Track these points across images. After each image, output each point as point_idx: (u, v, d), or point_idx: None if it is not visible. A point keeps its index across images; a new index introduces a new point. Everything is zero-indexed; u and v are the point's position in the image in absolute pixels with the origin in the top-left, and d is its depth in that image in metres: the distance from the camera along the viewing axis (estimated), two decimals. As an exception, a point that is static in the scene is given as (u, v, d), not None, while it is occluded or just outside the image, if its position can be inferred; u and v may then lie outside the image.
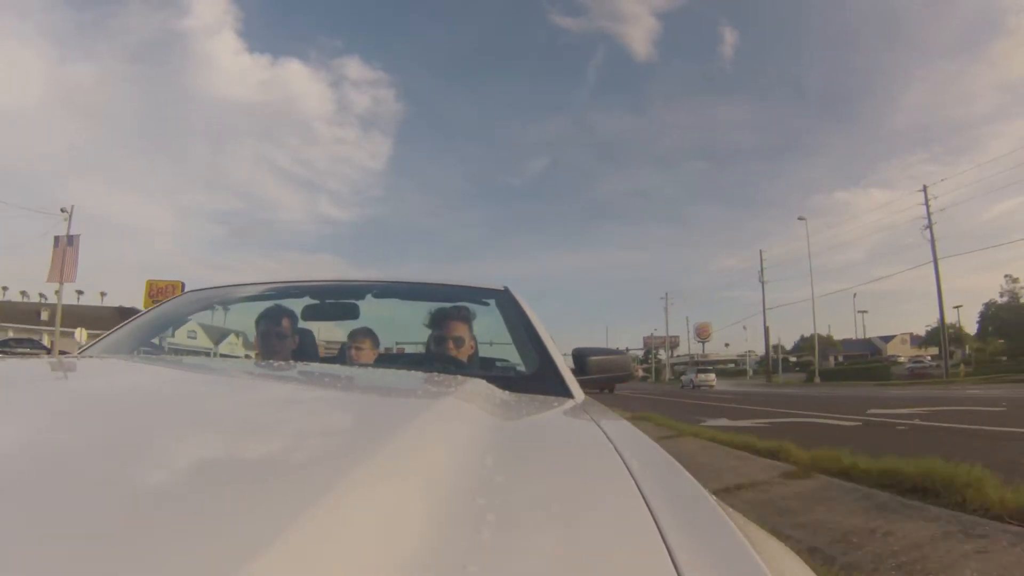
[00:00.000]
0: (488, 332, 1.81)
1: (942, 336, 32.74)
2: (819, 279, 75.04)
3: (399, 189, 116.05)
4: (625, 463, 0.55)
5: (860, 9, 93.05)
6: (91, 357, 1.49)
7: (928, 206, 31.09)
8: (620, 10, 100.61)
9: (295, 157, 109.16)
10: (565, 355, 1.48)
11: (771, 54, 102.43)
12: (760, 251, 43.70)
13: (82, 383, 0.88)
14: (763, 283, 43.66)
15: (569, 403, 1.14)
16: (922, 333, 45.46)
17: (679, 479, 0.55)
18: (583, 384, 1.37)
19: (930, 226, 30.40)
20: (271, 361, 1.58)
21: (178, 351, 1.97)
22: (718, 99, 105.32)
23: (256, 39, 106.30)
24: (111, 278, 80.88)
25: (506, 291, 1.77)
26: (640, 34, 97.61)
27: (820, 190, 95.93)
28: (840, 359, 47.44)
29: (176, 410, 0.66)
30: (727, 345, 69.24)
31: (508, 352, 1.78)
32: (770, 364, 44.11)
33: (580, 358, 1.56)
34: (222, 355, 2.32)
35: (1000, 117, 78.73)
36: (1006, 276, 41.06)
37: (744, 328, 63.12)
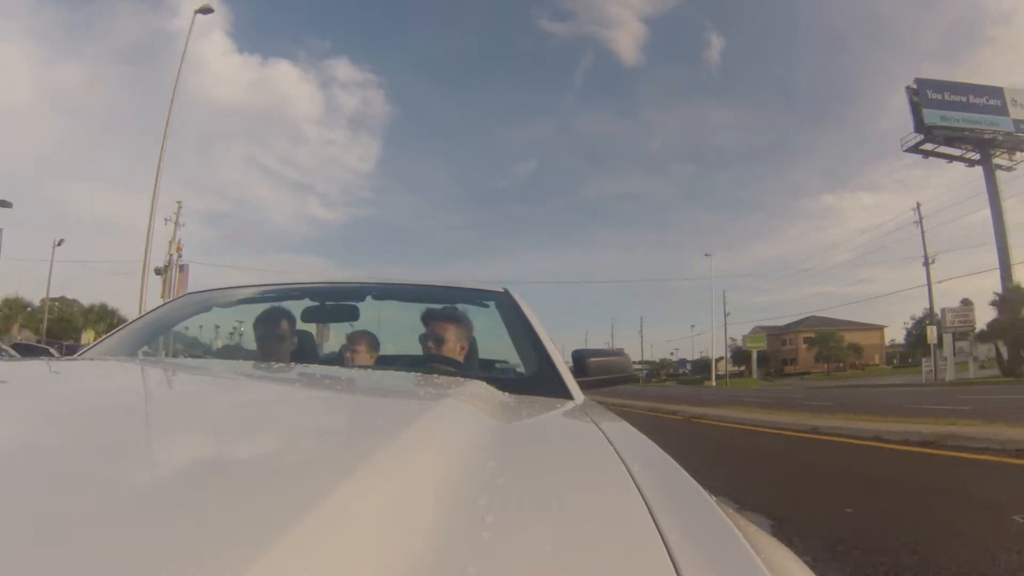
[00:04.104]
0: (488, 333, 1.81)
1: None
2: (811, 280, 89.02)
3: (388, 191, 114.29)
4: (625, 464, 0.55)
5: (847, 14, 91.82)
6: (91, 359, 1.48)
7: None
8: (607, 16, 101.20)
9: (284, 158, 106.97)
10: (570, 365, 1.49)
11: (758, 58, 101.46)
12: (724, 291, 53.91)
13: (82, 385, 0.87)
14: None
15: (569, 404, 1.13)
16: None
17: (679, 479, 0.55)
18: (583, 385, 1.36)
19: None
20: (270, 363, 1.57)
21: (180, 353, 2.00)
22: (705, 102, 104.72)
23: (245, 39, 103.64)
24: (98, 279, 79.75)
25: (506, 293, 1.77)
26: (627, 39, 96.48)
27: (808, 193, 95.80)
28: (683, 371, 70.21)
29: (176, 411, 0.66)
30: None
31: (509, 354, 1.79)
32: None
33: (580, 359, 1.56)
34: (222, 357, 2.30)
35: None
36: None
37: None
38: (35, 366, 1.18)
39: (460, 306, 1.78)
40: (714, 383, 47.46)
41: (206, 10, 19.11)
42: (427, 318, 1.72)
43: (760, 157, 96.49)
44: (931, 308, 32.29)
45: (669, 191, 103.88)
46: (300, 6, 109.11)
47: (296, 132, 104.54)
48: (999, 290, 29.38)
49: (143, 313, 1.82)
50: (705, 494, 0.50)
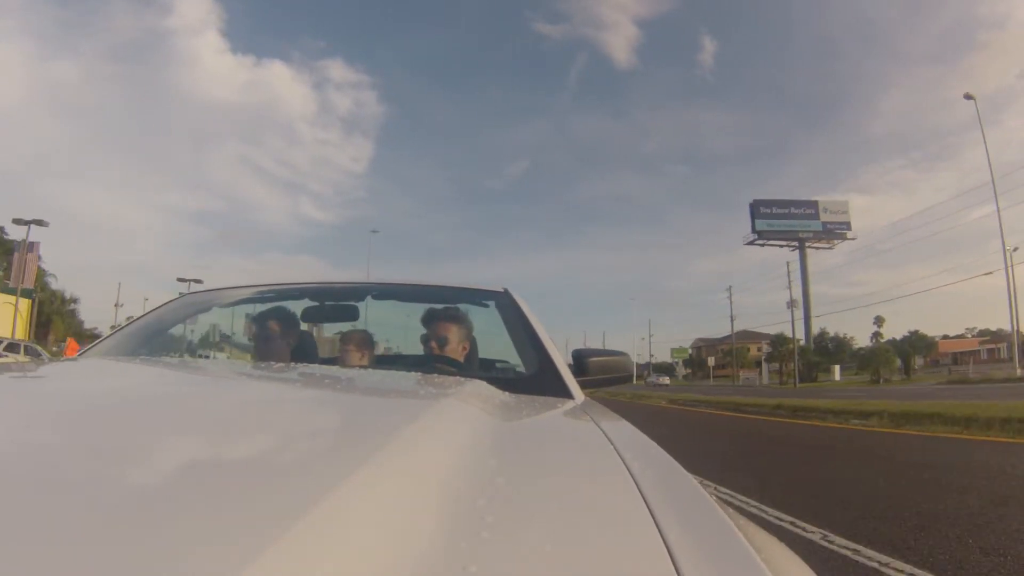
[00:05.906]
0: (488, 333, 1.79)
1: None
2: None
3: (381, 191, 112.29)
4: (625, 464, 0.55)
5: (840, 18, 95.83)
6: (90, 360, 1.44)
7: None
8: (601, 18, 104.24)
9: (277, 158, 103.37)
10: (570, 364, 1.49)
11: (751, 61, 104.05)
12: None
13: (80, 385, 0.88)
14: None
15: (569, 404, 1.13)
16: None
17: (679, 479, 0.55)
18: (583, 385, 1.37)
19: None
20: (270, 363, 1.53)
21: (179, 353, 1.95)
22: (698, 104, 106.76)
23: (239, 39, 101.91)
24: (93, 279, 73.36)
25: (506, 293, 1.77)
26: (621, 41, 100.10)
27: (801, 195, 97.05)
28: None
29: (175, 411, 0.66)
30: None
31: (509, 353, 1.77)
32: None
33: (580, 359, 1.56)
34: (220, 357, 2.24)
35: (976, 126, 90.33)
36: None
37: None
38: (33, 366, 1.13)
39: (460, 306, 1.77)
40: (634, 380, 67.43)
41: (375, 231, 32.10)
42: (427, 318, 1.70)
43: (753, 159, 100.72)
44: (732, 344, 54.54)
45: (661, 192, 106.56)
46: (294, 6, 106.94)
47: (290, 132, 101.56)
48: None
49: (144, 313, 1.76)
50: (705, 493, 0.50)
